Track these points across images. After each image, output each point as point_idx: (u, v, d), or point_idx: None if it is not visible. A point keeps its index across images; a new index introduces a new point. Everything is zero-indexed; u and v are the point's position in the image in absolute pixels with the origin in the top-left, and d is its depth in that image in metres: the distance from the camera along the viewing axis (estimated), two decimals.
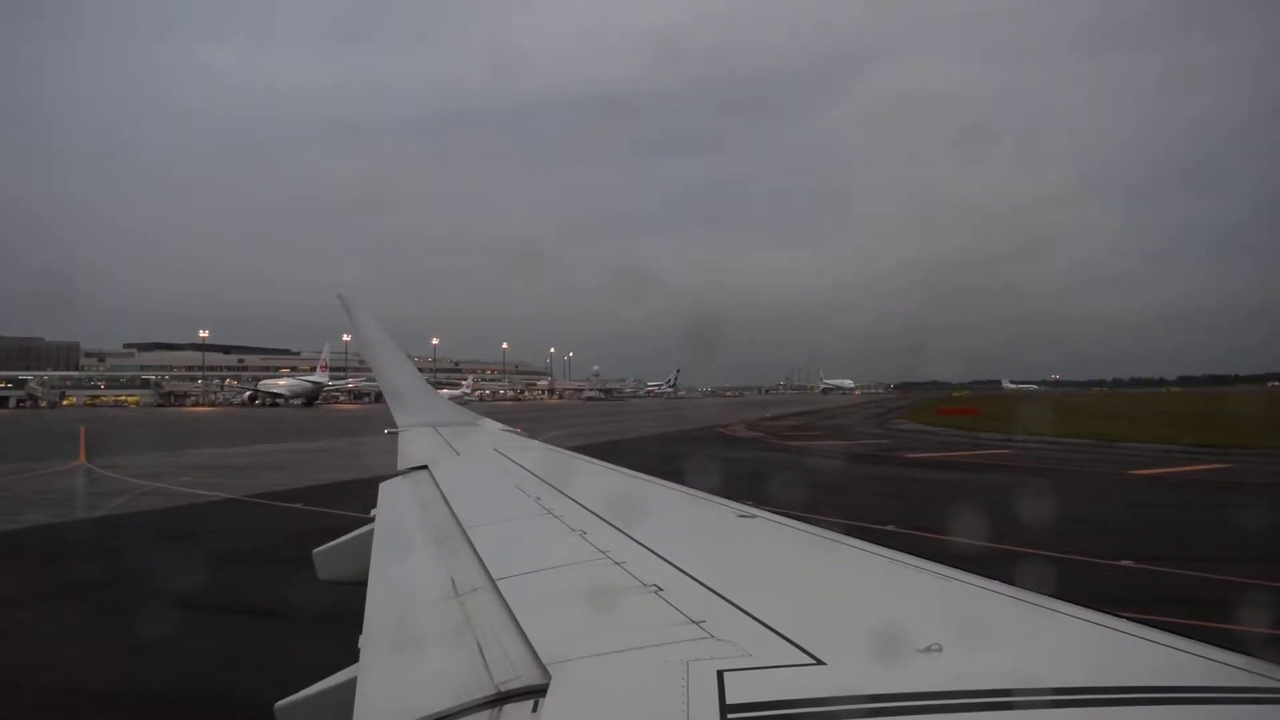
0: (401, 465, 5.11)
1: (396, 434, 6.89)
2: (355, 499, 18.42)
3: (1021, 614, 1.85)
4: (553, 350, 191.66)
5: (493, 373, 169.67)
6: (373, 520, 3.75)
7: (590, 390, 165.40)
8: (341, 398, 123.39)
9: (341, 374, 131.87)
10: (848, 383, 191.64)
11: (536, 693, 1.48)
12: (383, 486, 4.48)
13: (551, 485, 3.84)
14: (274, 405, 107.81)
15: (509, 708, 1.47)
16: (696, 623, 1.72)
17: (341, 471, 24.55)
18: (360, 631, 2.11)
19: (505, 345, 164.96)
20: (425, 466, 4.81)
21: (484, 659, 1.69)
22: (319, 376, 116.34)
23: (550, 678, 1.50)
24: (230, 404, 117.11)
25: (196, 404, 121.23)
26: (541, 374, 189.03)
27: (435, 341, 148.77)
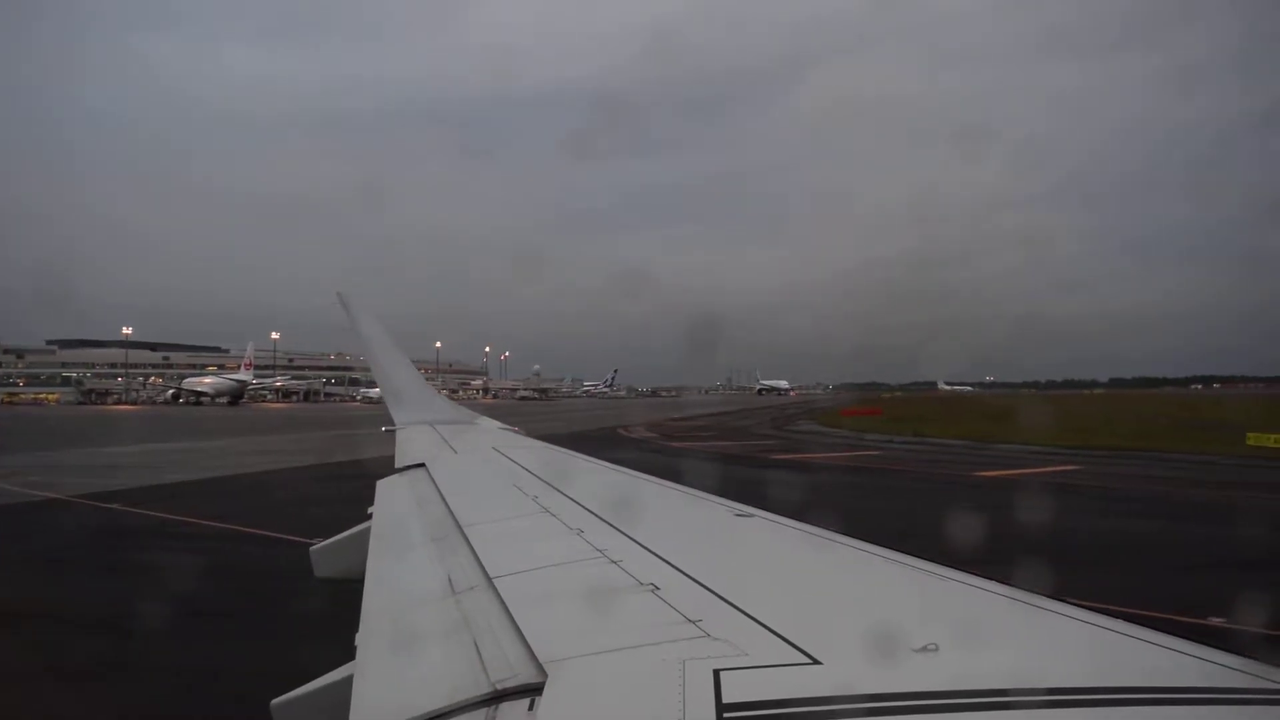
0: (399, 463, 5.09)
1: (393, 431, 6.87)
2: (183, 498, 18.66)
3: (1018, 614, 1.86)
4: (489, 349, 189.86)
5: (426, 371, 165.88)
6: (370, 518, 3.74)
7: (525, 390, 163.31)
8: (269, 396, 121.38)
9: (270, 372, 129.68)
10: (783, 383, 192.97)
11: (533, 691, 1.47)
12: (380, 484, 4.47)
13: (549, 484, 3.85)
14: (198, 404, 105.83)
15: (505, 706, 1.46)
16: (693, 622, 1.72)
17: (199, 471, 24.92)
18: (357, 629, 2.09)
19: (439, 344, 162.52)
20: (423, 464, 4.80)
21: (480, 657, 1.69)
22: (243, 375, 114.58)
23: (547, 676, 1.50)
24: (154, 402, 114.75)
25: (119, 402, 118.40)
26: (477, 373, 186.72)
27: None
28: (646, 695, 1.41)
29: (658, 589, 2.00)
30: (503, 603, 1.99)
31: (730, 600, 1.86)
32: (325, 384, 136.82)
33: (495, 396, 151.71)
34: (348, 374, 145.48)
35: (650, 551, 2.37)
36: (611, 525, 2.77)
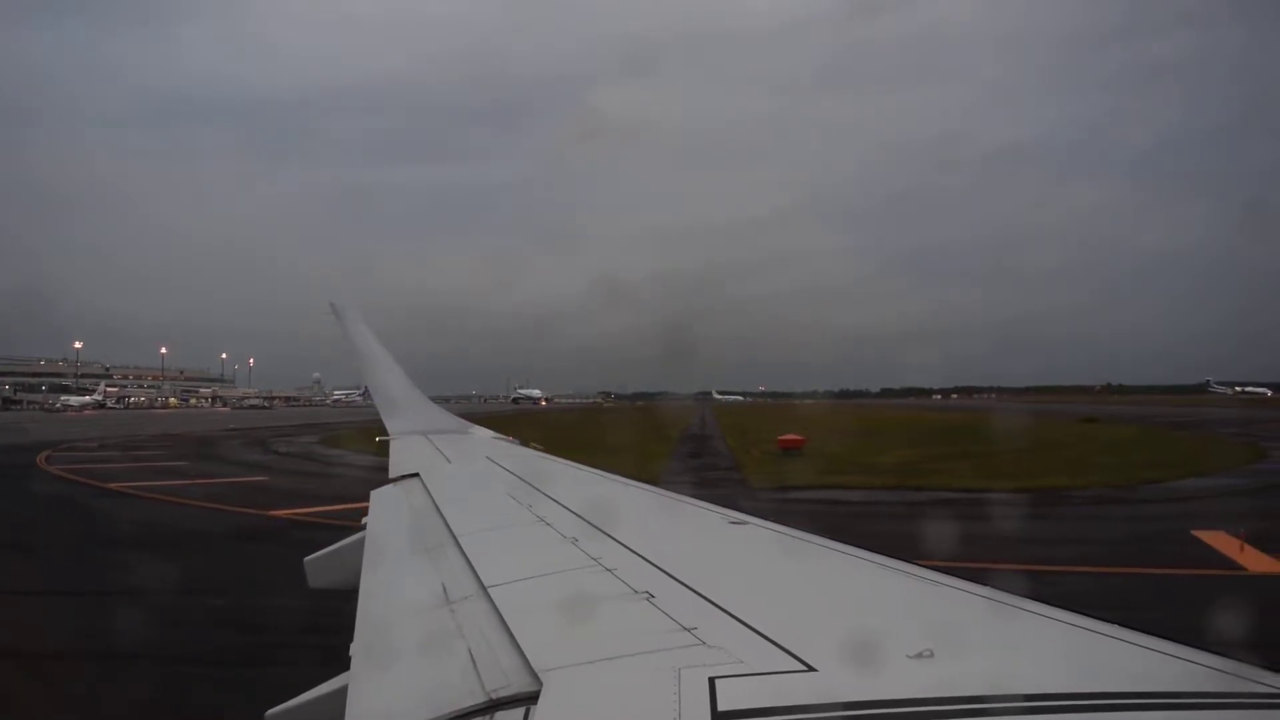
0: (393, 473, 5.11)
1: (387, 441, 6.91)
2: None
3: (1013, 620, 1.86)
4: (225, 356, 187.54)
5: (154, 378, 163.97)
6: (364, 528, 3.74)
7: (255, 399, 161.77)
8: None
9: None
10: (536, 392, 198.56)
11: (528, 700, 1.47)
12: (374, 494, 4.48)
13: (543, 492, 3.87)
14: None
15: (500, 715, 1.46)
16: (688, 629, 1.72)
17: None
18: (351, 639, 2.09)
19: (164, 350, 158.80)
20: (416, 474, 4.82)
21: (475, 666, 1.69)
22: None
23: (542, 685, 1.50)
24: None
25: None
26: (213, 380, 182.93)
27: (78, 345, 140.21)
28: (641, 703, 1.41)
29: (652, 597, 2.00)
30: (497, 612, 1.99)
31: (725, 608, 1.86)
32: (14, 391, 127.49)
33: (226, 405, 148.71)
34: (56, 379, 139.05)
35: (644, 559, 2.38)
36: (605, 533, 2.78)
